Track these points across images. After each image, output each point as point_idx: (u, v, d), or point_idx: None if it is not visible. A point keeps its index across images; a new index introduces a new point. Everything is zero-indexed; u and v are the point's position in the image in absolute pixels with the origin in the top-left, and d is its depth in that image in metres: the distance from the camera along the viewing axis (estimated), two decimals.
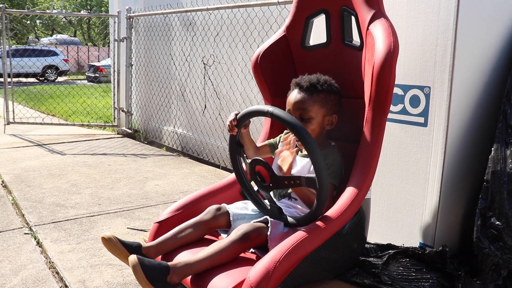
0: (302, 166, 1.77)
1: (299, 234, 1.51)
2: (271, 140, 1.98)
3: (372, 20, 1.71)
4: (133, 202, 3.28)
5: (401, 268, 1.75)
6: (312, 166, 1.75)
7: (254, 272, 1.42)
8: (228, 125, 1.76)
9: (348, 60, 1.90)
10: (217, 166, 4.36)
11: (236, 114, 1.73)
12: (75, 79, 18.47)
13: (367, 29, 1.72)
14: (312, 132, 1.73)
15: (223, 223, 1.80)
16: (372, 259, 1.80)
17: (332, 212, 1.59)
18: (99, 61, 17.28)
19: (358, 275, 1.75)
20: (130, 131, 5.94)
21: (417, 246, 1.83)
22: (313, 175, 1.53)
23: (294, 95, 1.76)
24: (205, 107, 4.59)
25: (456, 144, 1.80)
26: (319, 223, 1.56)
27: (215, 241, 1.82)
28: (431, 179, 1.82)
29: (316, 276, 1.66)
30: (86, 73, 17.67)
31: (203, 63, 4.53)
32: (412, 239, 1.92)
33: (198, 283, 1.56)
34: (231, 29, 4.13)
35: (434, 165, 1.80)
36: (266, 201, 1.74)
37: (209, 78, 4.48)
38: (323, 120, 1.77)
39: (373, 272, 1.73)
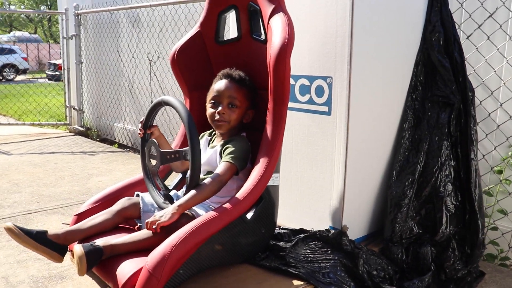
0: (209, 155, 1.85)
1: (198, 220, 1.58)
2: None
3: (272, 15, 1.79)
4: (73, 198, 3.29)
5: (308, 250, 1.83)
6: (217, 154, 1.85)
7: (152, 257, 1.48)
8: (138, 130, 1.91)
9: (257, 54, 1.97)
10: None
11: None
12: (36, 78, 18.07)
13: (268, 23, 1.80)
14: (234, 121, 1.88)
15: (134, 212, 1.86)
16: (281, 243, 1.88)
17: (233, 199, 1.67)
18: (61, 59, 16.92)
19: (267, 258, 1.83)
20: (82, 129, 5.90)
21: (325, 229, 1.92)
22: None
23: (224, 83, 1.88)
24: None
25: (357, 131, 1.90)
26: (219, 209, 1.63)
27: (130, 230, 1.88)
28: (336, 165, 1.92)
29: (223, 260, 1.73)
30: (46, 71, 17.30)
31: (148, 59, 4.55)
32: (323, 223, 2.01)
33: (104, 269, 1.61)
34: (173, 24, 4.17)
35: (339, 152, 1.90)
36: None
37: (155, 74, 4.51)
38: (245, 112, 1.90)
39: (280, 255, 1.81)
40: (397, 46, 2.01)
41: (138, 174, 2.14)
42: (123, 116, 5.25)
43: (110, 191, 2.04)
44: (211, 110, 1.88)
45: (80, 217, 1.95)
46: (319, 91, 1.94)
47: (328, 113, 1.91)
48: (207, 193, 1.68)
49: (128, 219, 1.91)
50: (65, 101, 6.16)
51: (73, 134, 5.90)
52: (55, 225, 2.76)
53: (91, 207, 1.98)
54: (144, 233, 1.65)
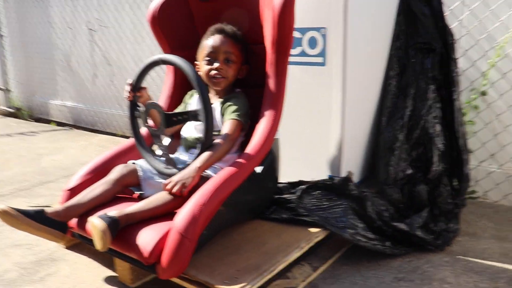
0: None
1: (218, 177, 1.54)
2: (180, 106, 1.99)
3: None
4: (30, 180, 3.07)
5: (313, 200, 1.85)
6: (217, 112, 1.80)
7: (181, 219, 1.42)
8: (126, 93, 1.78)
9: (245, 7, 1.91)
10: (114, 135, 4.22)
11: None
12: None
13: None
14: (232, 77, 1.84)
15: (133, 180, 1.78)
16: (286, 195, 1.89)
17: (245, 154, 1.64)
18: None
19: (276, 212, 1.84)
20: (11, 110, 5.46)
21: (326, 178, 1.95)
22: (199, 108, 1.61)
23: (219, 39, 1.82)
24: (95, 75, 4.36)
25: (352, 80, 1.93)
26: (235, 164, 1.60)
27: (130, 199, 1.79)
28: (333, 115, 1.95)
29: (237, 219, 1.72)
30: None
31: (88, 29, 4.27)
32: (321, 173, 2.04)
33: (121, 241, 1.52)
34: None
35: (336, 101, 1.93)
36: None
37: (96, 44, 4.25)
38: (240, 67, 1.86)
39: (289, 207, 1.83)
40: None
41: (126, 142, 2.04)
42: (60, 93, 4.91)
43: (100, 162, 1.92)
44: (207, 67, 1.82)
45: (73, 191, 1.83)
46: (312, 43, 1.93)
47: (323, 64, 1.92)
48: (222, 152, 1.65)
49: (127, 187, 1.82)
50: None
51: (1, 116, 5.44)
52: None
53: (83, 179, 1.86)
54: (160, 199, 1.58)
